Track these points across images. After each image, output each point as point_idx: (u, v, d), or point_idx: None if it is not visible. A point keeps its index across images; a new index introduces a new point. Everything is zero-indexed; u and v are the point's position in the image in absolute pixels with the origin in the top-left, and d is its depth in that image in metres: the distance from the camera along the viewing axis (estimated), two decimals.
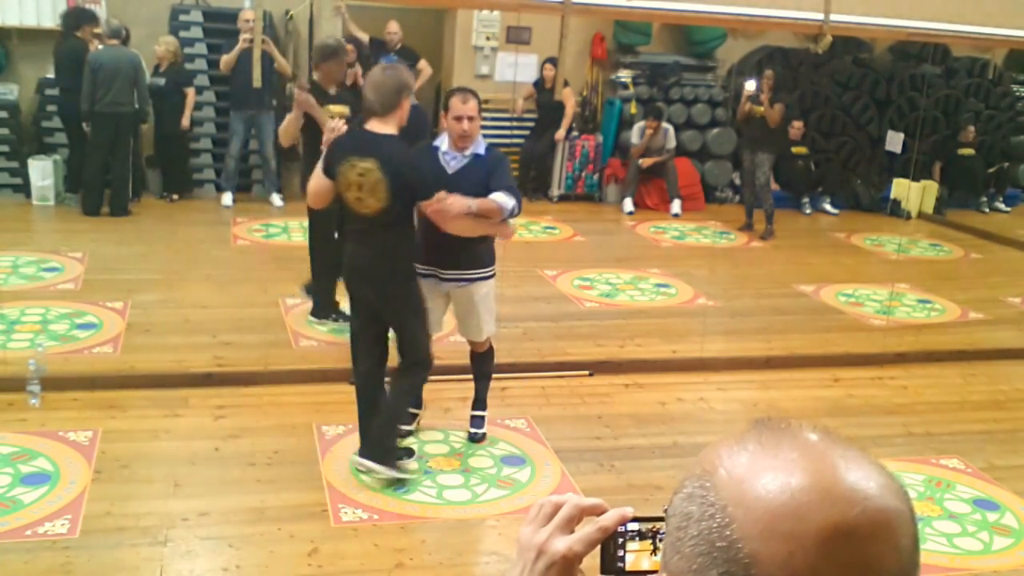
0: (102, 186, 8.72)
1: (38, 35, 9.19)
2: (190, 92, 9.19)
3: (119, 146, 8.60)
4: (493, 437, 4.93)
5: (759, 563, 0.75)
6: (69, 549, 3.75)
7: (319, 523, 4.06)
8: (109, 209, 8.71)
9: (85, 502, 4.08)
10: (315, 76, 5.94)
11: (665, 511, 0.86)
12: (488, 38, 10.53)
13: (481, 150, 4.54)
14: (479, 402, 5.00)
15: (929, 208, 11.12)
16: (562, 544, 0.97)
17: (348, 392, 5.36)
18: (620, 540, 0.95)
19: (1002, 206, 12.01)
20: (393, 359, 4.49)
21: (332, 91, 5.85)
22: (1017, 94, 12.34)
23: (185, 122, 9.18)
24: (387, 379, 4.50)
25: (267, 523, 4.03)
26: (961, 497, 4.65)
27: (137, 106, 8.66)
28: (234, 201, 9.29)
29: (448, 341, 5.42)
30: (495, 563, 3.93)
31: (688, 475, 0.83)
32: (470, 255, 4.61)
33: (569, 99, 10.30)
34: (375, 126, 4.18)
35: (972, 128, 11.59)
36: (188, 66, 9.40)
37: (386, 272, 4.22)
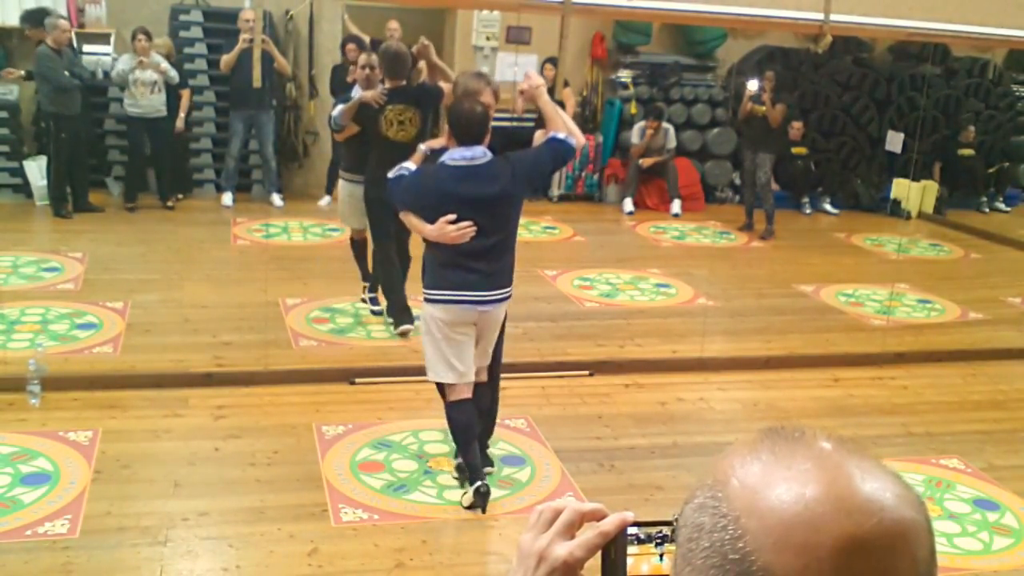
0: (62, 186, 8.60)
1: None
2: (185, 93, 9.17)
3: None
4: (493, 437, 4.92)
5: None
6: (69, 549, 3.75)
7: (319, 523, 4.05)
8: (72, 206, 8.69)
9: (85, 502, 4.08)
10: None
11: (675, 520, 0.85)
12: (488, 38, 10.52)
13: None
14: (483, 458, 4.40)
15: (929, 208, 11.11)
16: (563, 550, 0.96)
17: (348, 392, 5.39)
18: (621, 544, 0.95)
19: (1002, 206, 12.01)
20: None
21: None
22: (1017, 94, 12.33)
23: (179, 123, 9.15)
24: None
25: (267, 523, 4.03)
26: (961, 497, 4.65)
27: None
28: (234, 201, 9.28)
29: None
30: (495, 563, 3.93)
31: (699, 484, 0.82)
32: (507, 266, 4.18)
33: (569, 99, 10.28)
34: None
35: (972, 128, 11.58)
36: (188, 66, 9.38)
37: None
